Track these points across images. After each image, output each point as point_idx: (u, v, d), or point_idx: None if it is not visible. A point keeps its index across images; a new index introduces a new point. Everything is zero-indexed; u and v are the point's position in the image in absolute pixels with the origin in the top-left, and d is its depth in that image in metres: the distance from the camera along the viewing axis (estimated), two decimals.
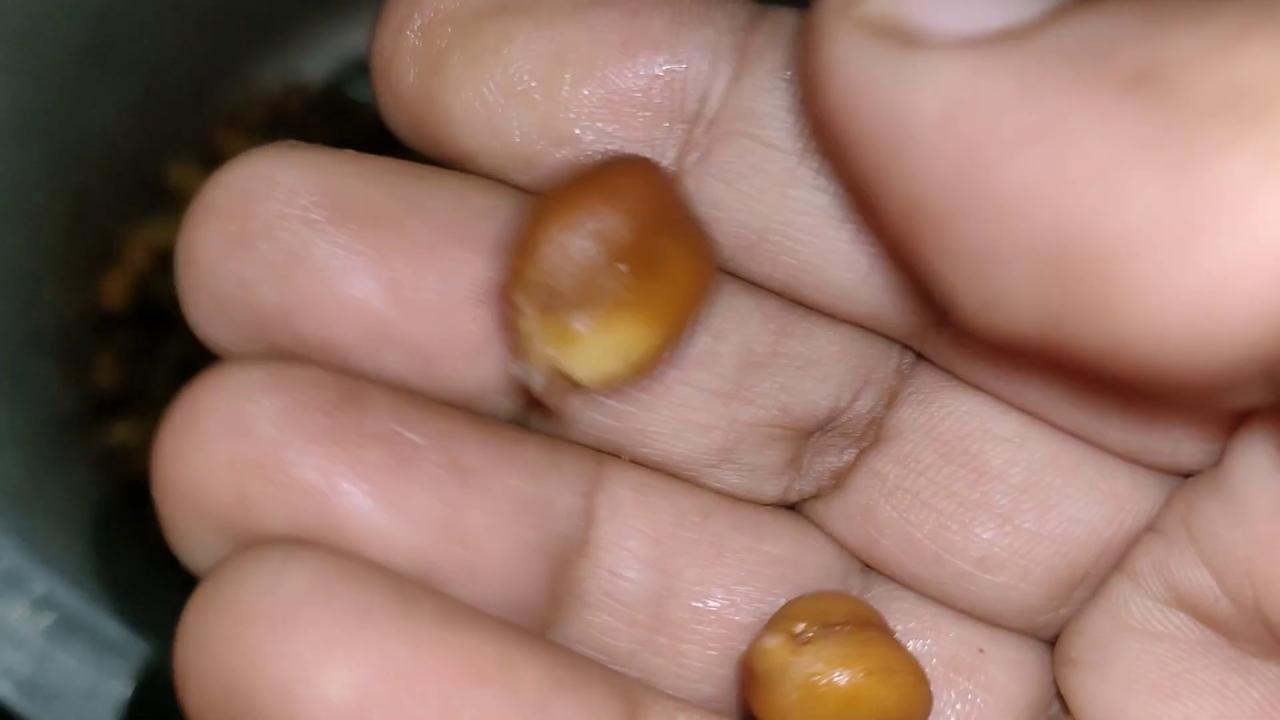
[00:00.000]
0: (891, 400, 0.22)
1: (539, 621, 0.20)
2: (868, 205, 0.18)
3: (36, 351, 0.48)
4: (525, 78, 0.20)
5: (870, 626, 0.21)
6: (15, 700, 0.36)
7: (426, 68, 0.20)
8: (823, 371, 0.21)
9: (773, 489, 0.22)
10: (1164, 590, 0.20)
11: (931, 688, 0.21)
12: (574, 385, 0.19)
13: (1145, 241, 0.15)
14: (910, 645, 0.22)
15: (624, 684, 0.20)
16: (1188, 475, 0.21)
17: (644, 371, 0.20)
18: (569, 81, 0.20)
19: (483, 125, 0.20)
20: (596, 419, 0.21)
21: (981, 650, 0.22)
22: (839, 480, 0.22)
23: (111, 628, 0.38)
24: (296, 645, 0.17)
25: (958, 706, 0.22)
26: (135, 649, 0.38)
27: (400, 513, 0.18)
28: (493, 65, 0.20)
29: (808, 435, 0.22)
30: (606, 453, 0.21)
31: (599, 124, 0.20)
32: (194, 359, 0.54)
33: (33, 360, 0.47)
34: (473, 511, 0.19)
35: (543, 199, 0.19)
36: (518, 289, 0.18)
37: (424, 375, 0.20)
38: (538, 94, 0.20)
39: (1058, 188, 0.16)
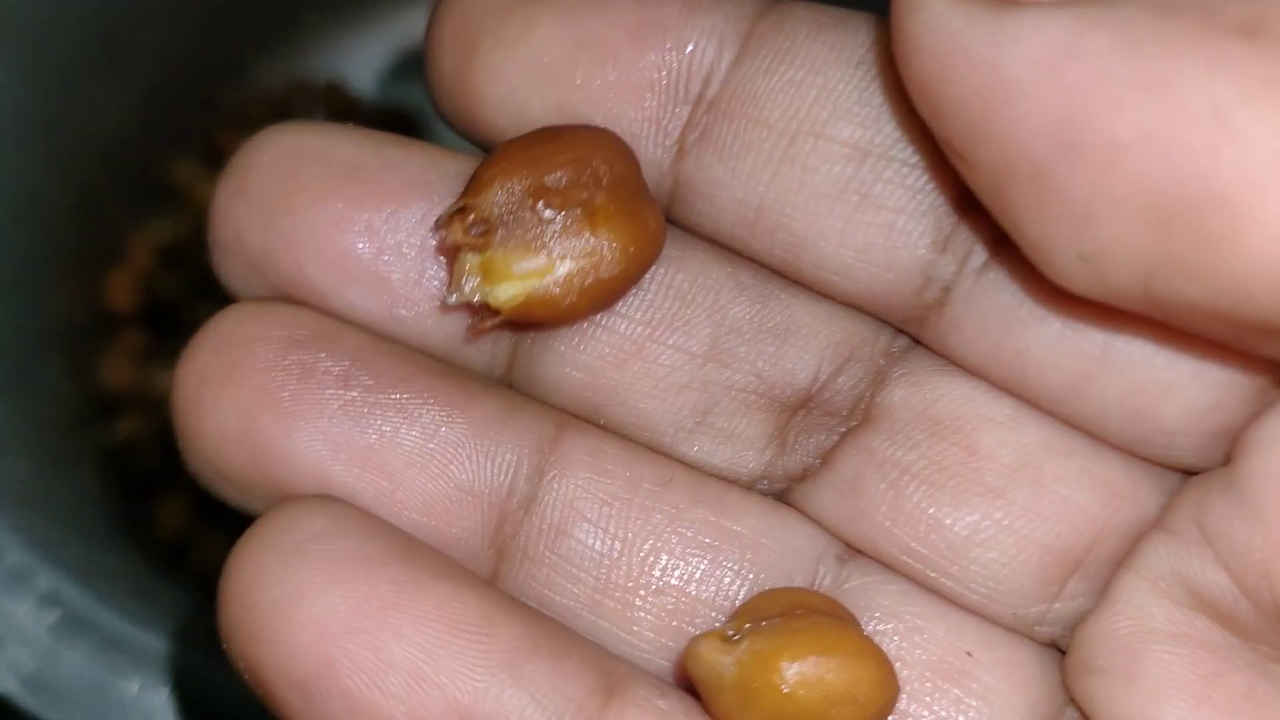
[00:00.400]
0: (879, 381, 0.22)
1: (481, 567, 0.21)
2: (962, 170, 0.19)
3: (41, 350, 0.48)
4: (547, 61, 0.21)
5: (811, 612, 0.20)
6: (21, 696, 0.37)
7: (463, 54, 0.21)
8: (802, 342, 0.22)
9: (752, 461, 0.22)
10: (1183, 593, 0.20)
11: (925, 698, 0.21)
12: (491, 310, 0.21)
13: (1263, 179, 0.16)
14: (891, 648, 0.21)
15: (606, 661, 0.20)
16: (1187, 472, 0.21)
17: (568, 308, 0.21)
18: (584, 65, 0.21)
19: (509, 107, 0.21)
20: (571, 374, 0.22)
21: (969, 654, 0.21)
22: (826, 459, 0.22)
23: (117, 624, 0.38)
24: (298, 572, 0.19)
25: (954, 716, 0.21)
26: (141, 645, 0.38)
27: (321, 439, 0.20)
28: (519, 50, 0.21)
29: (790, 411, 0.22)
30: (581, 417, 0.22)
31: (610, 105, 0.21)
32: None
33: (38, 358, 0.48)
34: (398, 447, 0.21)
35: (498, 147, 0.21)
36: (452, 217, 0.20)
37: (391, 316, 0.21)
38: (557, 77, 0.21)
39: (1170, 132, 0.16)
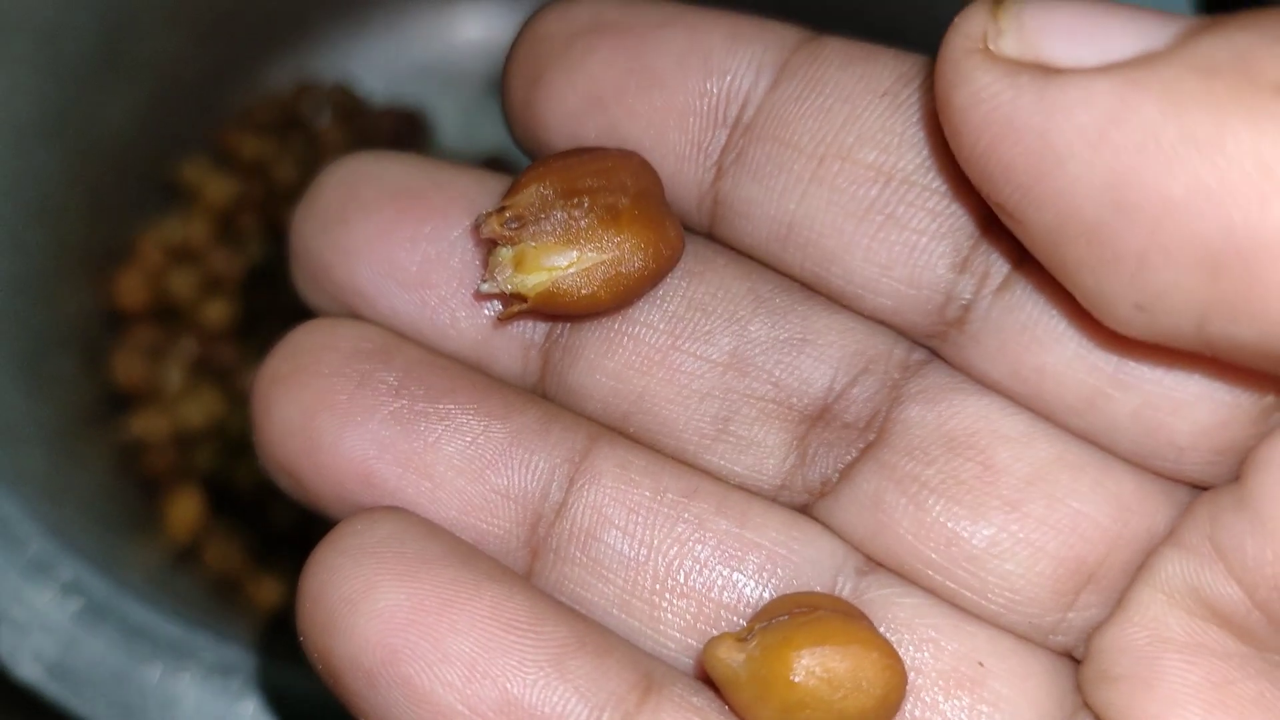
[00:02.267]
0: (895, 396, 0.23)
1: (517, 564, 0.23)
2: (1013, 225, 0.20)
3: (54, 346, 0.48)
4: (600, 87, 0.23)
5: (817, 609, 0.21)
6: (45, 683, 0.37)
7: (529, 80, 0.23)
8: (818, 352, 0.23)
9: (772, 470, 0.23)
10: (1197, 605, 0.21)
11: (937, 704, 0.22)
12: (520, 298, 0.22)
13: None
14: (906, 657, 0.22)
15: (645, 662, 0.22)
16: (1195, 486, 0.22)
17: (590, 297, 0.22)
18: (633, 91, 0.22)
19: (567, 131, 0.23)
20: (600, 381, 0.23)
21: (981, 664, 0.22)
22: (845, 474, 0.23)
23: (138, 612, 0.38)
24: (367, 571, 0.21)
25: None
26: (162, 633, 0.38)
27: (370, 440, 0.22)
28: (577, 77, 0.23)
29: (809, 421, 0.23)
30: (610, 428, 0.23)
31: (656, 128, 0.23)
32: (208, 358, 0.54)
33: (52, 355, 0.48)
34: (441, 452, 0.22)
35: (537, 160, 0.23)
36: (491, 214, 0.22)
37: (431, 322, 0.23)
38: (609, 101, 0.23)
39: (1221, 187, 0.17)
